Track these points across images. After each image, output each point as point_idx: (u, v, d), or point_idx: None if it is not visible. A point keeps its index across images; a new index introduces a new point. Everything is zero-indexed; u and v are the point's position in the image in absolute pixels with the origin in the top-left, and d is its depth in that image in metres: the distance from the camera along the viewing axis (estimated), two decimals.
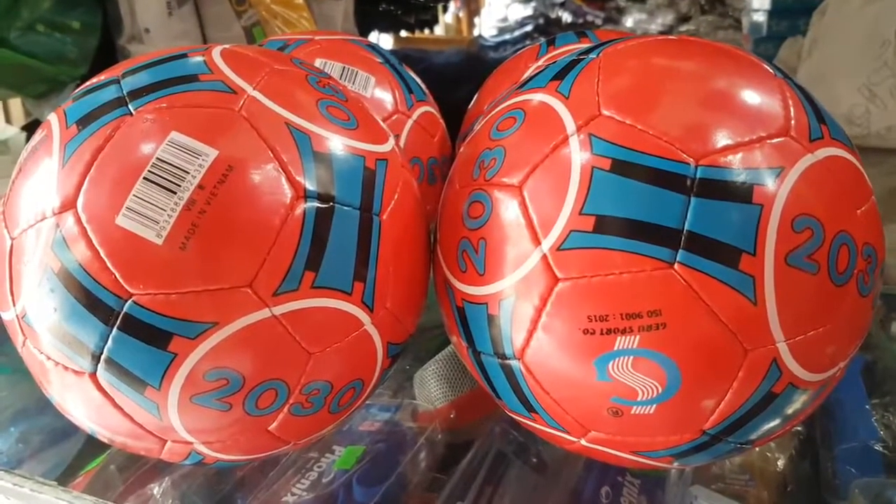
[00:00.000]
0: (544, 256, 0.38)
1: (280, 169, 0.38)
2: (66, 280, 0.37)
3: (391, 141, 0.46)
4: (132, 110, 0.39)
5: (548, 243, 0.38)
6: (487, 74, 0.71)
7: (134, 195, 0.36)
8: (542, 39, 0.68)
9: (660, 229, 0.36)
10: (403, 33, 2.39)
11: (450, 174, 0.47)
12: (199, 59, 0.42)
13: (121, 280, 0.36)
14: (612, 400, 0.39)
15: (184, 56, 0.42)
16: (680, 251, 0.36)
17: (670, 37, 0.46)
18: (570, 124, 0.39)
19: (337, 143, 0.41)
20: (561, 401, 0.40)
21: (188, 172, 0.37)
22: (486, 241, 0.40)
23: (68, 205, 0.37)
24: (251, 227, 0.37)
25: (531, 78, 0.45)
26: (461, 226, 0.42)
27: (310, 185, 0.39)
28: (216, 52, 0.43)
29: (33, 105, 1.20)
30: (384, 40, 2.20)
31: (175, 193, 0.36)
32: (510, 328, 0.40)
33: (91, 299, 0.37)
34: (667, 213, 0.36)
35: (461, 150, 0.47)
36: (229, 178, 0.37)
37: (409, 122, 0.64)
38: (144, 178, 0.36)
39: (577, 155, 0.38)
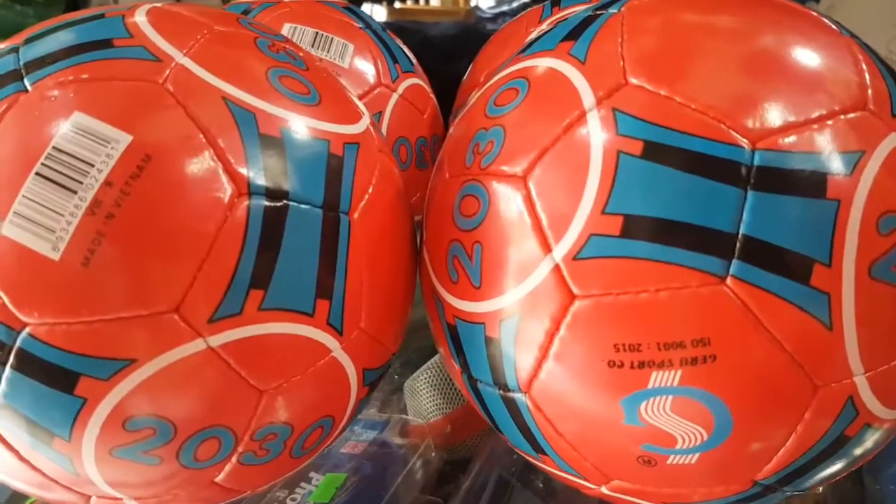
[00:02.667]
0: (556, 267, 0.29)
1: (216, 158, 0.30)
2: None
3: (365, 120, 0.37)
4: (28, 86, 0.30)
5: (561, 250, 0.29)
6: (479, 45, 0.63)
7: (24, 196, 0.28)
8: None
9: (708, 233, 0.28)
10: (398, 4, 2.28)
11: (438, 159, 0.39)
12: (117, 20, 0.33)
13: (10, 306, 0.28)
14: (644, 448, 0.31)
15: (100, 17, 0.33)
16: (734, 262, 0.27)
17: None
18: (587, 96, 0.31)
19: (292, 124, 0.32)
20: (578, 445, 0.32)
21: (92, 165, 0.28)
22: (481, 246, 0.32)
23: None
24: (176, 235, 0.29)
25: (536, 40, 0.36)
26: (451, 225, 0.34)
27: (255, 179, 0.30)
28: (141, 13, 0.34)
29: None
30: (377, 11, 2.09)
31: (75, 193, 0.28)
32: (514, 355, 0.32)
33: None
34: (717, 213, 0.28)
35: (451, 130, 0.38)
36: (146, 172, 0.28)
37: (394, 97, 0.56)
38: (37, 173, 0.28)
39: (598, 136, 0.29)
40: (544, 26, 0.54)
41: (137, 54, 0.31)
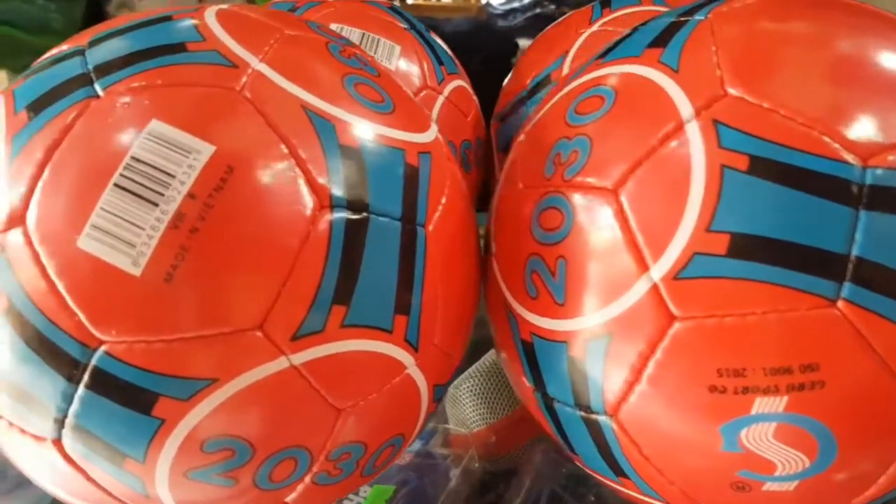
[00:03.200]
0: (655, 287, 0.28)
1: (297, 169, 0.28)
2: (15, 322, 0.27)
3: (434, 127, 0.36)
4: (99, 91, 0.29)
5: (660, 270, 0.28)
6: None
7: (101, 208, 0.27)
8: (595, 1, 0.57)
9: (819, 254, 0.26)
10: (410, 0, 2.27)
11: (507, 168, 0.37)
12: (188, 22, 0.32)
13: (86, 323, 0.27)
14: (740, 474, 0.29)
15: (167, 19, 0.32)
16: (845, 284, 0.26)
17: None
18: (684, 107, 0.29)
19: (370, 133, 0.31)
20: (665, 469, 0.31)
21: (174, 176, 0.27)
22: (566, 261, 0.31)
23: (14, 220, 0.27)
24: (260, 249, 0.27)
25: (615, 46, 0.35)
26: (529, 238, 0.33)
27: (337, 191, 0.29)
28: (210, 15, 0.32)
29: (14, 82, 1.08)
30: None
31: (157, 206, 0.27)
32: (601, 377, 0.30)
33: (48, 348, 0.27)
34: (828, 233, 0.26)
35: (521, 137, 0.37)
36: (229, 184, 0.27)
37: (440, 99, 0.54)
38: (115, 184, 0.27)
39: (699, 149, 0.28)
40: (595, 27, 0.53)
41: (212, 59, 0.30)
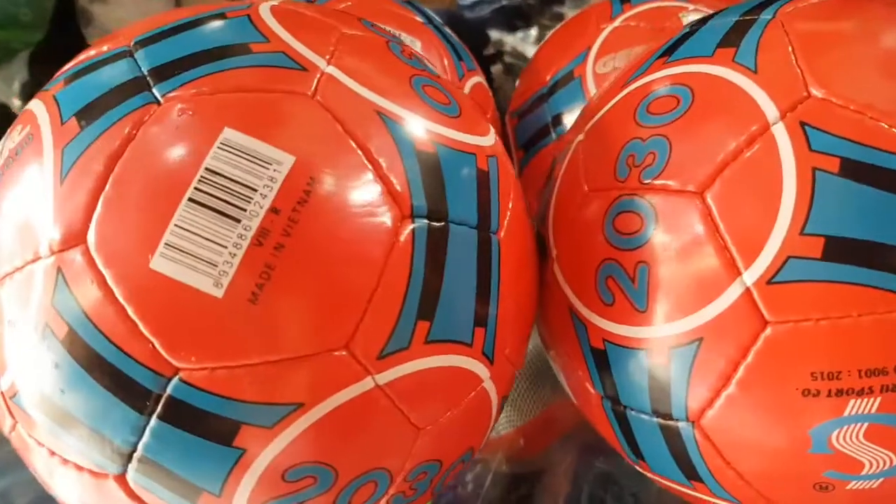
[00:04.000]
0: (748, 292, 0.28)
1: (378, 178, 0.27)
2: (78, 351, 0.25)
3: (492, 129, 0.35)
4: (159, 97, 0.27)
5: (753, 274, 0.28)
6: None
7: (176, 225, 0.25)
8: None
9: None
10: None
11: (563, 169, 0.36)
12: (245, 20, 0.30)
13: (161, 350, 0.25)
14: (826, 474, 0.29)
15: (222, 16, 0.30)
16: None
17: None
18: (769, 108, 0.29)
19: (444, 138, 0.30)
20: (746, 473, 0.31)
21: (255, 189, 0.25)
22: (648, 267, 0.30)
23: (74, 238, 0.25)
24: (347, 264, 0.26)
25: (677, 45, 0.34)
26: (602, 243, 0.32)
27: (417, 199, 0.28)
28: (265, 11, 0.30)
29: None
30: None
31: (238, 221, 0.25)
32: (685, 384, 0.30)
33: (117, 378, 0.25)
34: None
35: (579, 137, 0.36)
36: (313, 196, 0.26)
37: None
38: (190, 199, 0.25)
39: (788, 151, 0.28)
40: (617, 22, 0.53)
41: (279, 62, 0.28)
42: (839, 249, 0.27)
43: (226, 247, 0.25)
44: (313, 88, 0.28)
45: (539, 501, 0.51)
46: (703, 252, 0.29)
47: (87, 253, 0.25)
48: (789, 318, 0.27)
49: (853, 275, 0.27)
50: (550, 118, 0.54)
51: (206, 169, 0.25)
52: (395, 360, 0.27)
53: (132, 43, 0.29)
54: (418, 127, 0.29)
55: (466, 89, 0.53)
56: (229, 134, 0.26)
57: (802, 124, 0.28)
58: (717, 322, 0.28)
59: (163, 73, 0.27)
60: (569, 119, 0.53)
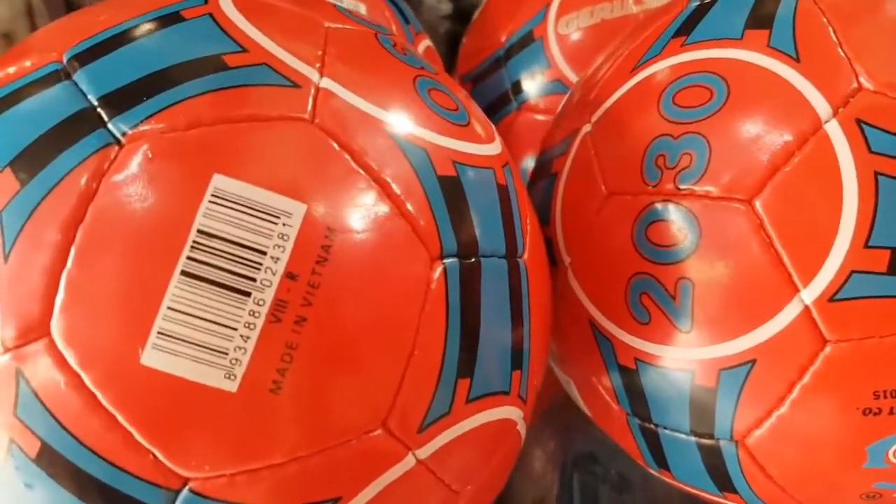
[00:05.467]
0: (806, 310, 0.26)
1: (401, 216, 0.22)
2: (57, 471, 0.20)
3: (495, 130, 0.30)
4: (118, 135, 0.21)
5: (813, 291, 0.25)
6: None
7: (169, 308, 0.19)
8: None
9: None
10: None
11: (566, 164, 0.33)
12: (208, 21, 0.23)
13: (164, 460, 0.20)
14: (877, 486, 0.28)
15: (176, 17, 0.23)
16: None
17: None
18: (819, 104, 0.26)
19: (462, 156, 0.25)
20: (789, 486, 0.30)
21: (264, 252, 0.20)
22: (692, 284, 0.27)
23: (32, 331, 0.20)
24: (379, 328, 0.22)
25: (694, 21, 0.31)
26: (633, 255, 0.29)
27: (445, 235, 0.23)
28: (228, 6, 0.24)
29: None
30: None
31: (248, 295, 0.20)
32: (734, 404, 0.28)
33: (112, 498, 0.20)
34: None
35: (586, 128, 0.32)
36: (333, 253, 0.21)
37: None
38: (183, 272, 0.19)
39: (846, 153, 0.25)
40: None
41: (263, 78, 0.22)
42: None
43: (236, 329, 0.20)
44: (310, 110, 0.22)
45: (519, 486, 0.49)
46: (756, 268, 0.26)
47: (52, 348, 0.20)
48: (851, 336, 0.25)
49: None
50: (510, 84, 0.50)
51: (199, 231, 0.20)
52: (436, 430, 0.23)
53: (65, 59, 0.23)
54: (434, 145, 0.24)
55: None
56: (220, 182, 0.20)
57: (859, 122, 0.25)
58: (771, 343, 0.26)
59: (118, 101, 0.21)
60: (530, 85, 0.49)
